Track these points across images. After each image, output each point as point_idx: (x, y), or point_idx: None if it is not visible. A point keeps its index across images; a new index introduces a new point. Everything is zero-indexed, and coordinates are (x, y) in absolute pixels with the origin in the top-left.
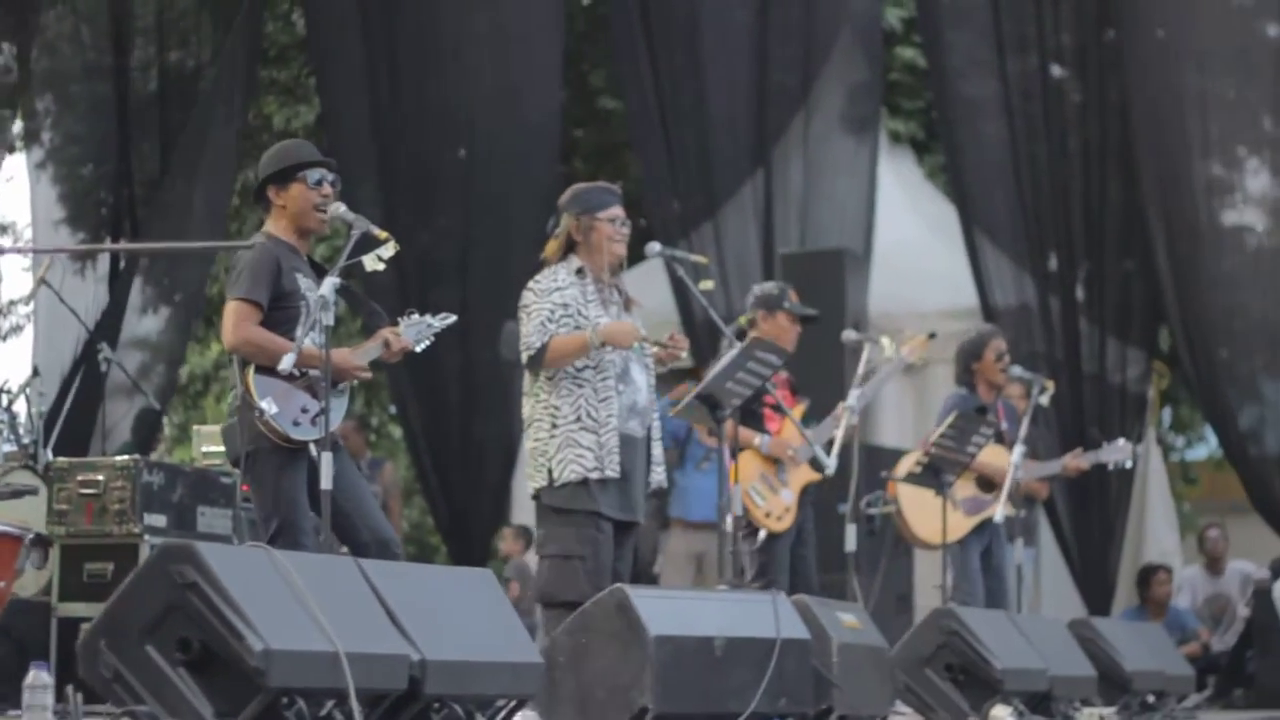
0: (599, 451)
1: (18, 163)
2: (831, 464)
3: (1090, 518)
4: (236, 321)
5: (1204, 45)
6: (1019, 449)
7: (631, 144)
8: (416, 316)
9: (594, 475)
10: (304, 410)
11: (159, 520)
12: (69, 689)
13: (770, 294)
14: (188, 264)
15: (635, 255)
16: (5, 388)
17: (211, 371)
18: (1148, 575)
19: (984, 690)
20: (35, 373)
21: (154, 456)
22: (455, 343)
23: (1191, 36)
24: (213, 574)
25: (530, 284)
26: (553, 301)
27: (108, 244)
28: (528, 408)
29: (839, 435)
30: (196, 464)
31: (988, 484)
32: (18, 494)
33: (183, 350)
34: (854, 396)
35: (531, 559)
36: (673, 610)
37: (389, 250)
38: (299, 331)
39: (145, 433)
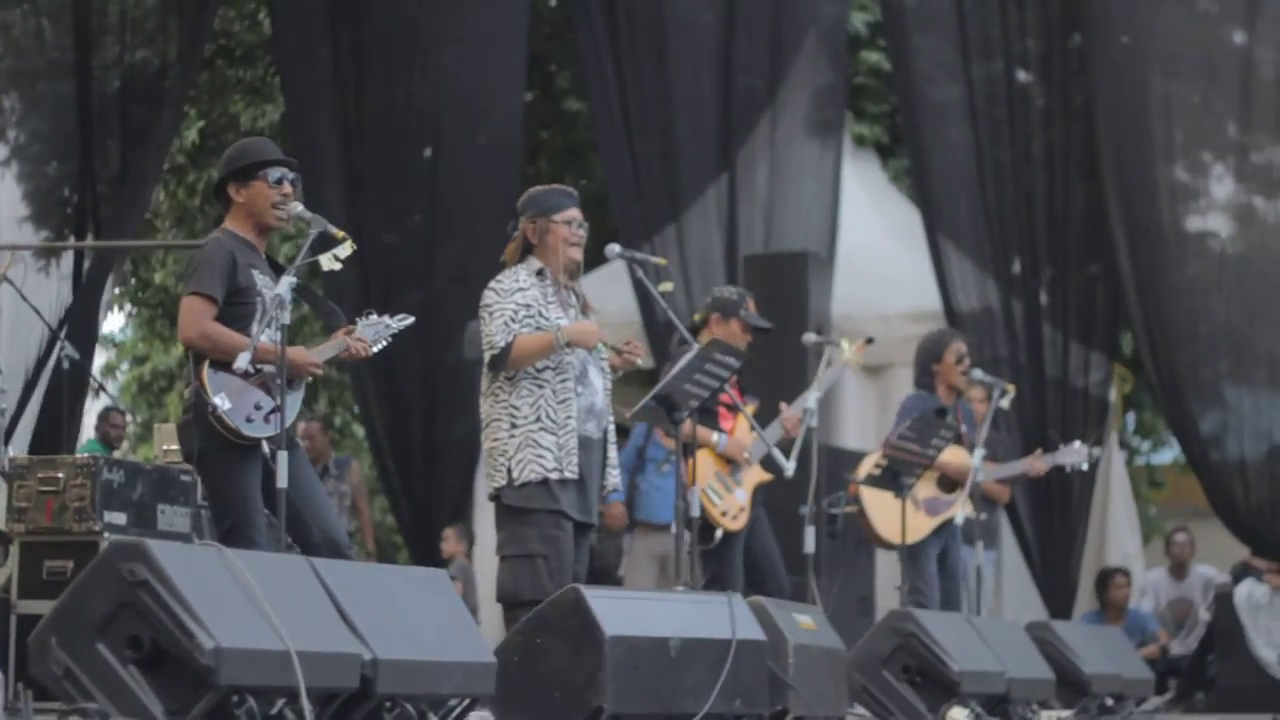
0: (558, 452)
1: None
2: (790, 466)
3: (1051, 521)
4: (192, 316)
5: (1169, 51)
6: (979, 452)
7: (595, 146)
8: (374, 317)
9: (553, 476)
10: (257, 407)
11: (119, 518)
12: (19, 686)
13: (728, 299)
14: (151, 263)
15: (600, 258)
16: None
17: (176, 370)
18: (1105, 578)
19: (941, 692)
20: None
21: (118, 454)
22: (419, 343)
23: (1156, 42)
24: (164, 572)
25: (492, 284)
26: (515, 302)
27: (66, 242)
28: (486, 408)
29: (798, 439)
30: (157, 462)
31: (950, 484)
32: None
33: (146, 349)
34: (811, 399)
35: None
36: (628, 610)
37: (346, 250)
38: (254, 328)
39: (108, 431)
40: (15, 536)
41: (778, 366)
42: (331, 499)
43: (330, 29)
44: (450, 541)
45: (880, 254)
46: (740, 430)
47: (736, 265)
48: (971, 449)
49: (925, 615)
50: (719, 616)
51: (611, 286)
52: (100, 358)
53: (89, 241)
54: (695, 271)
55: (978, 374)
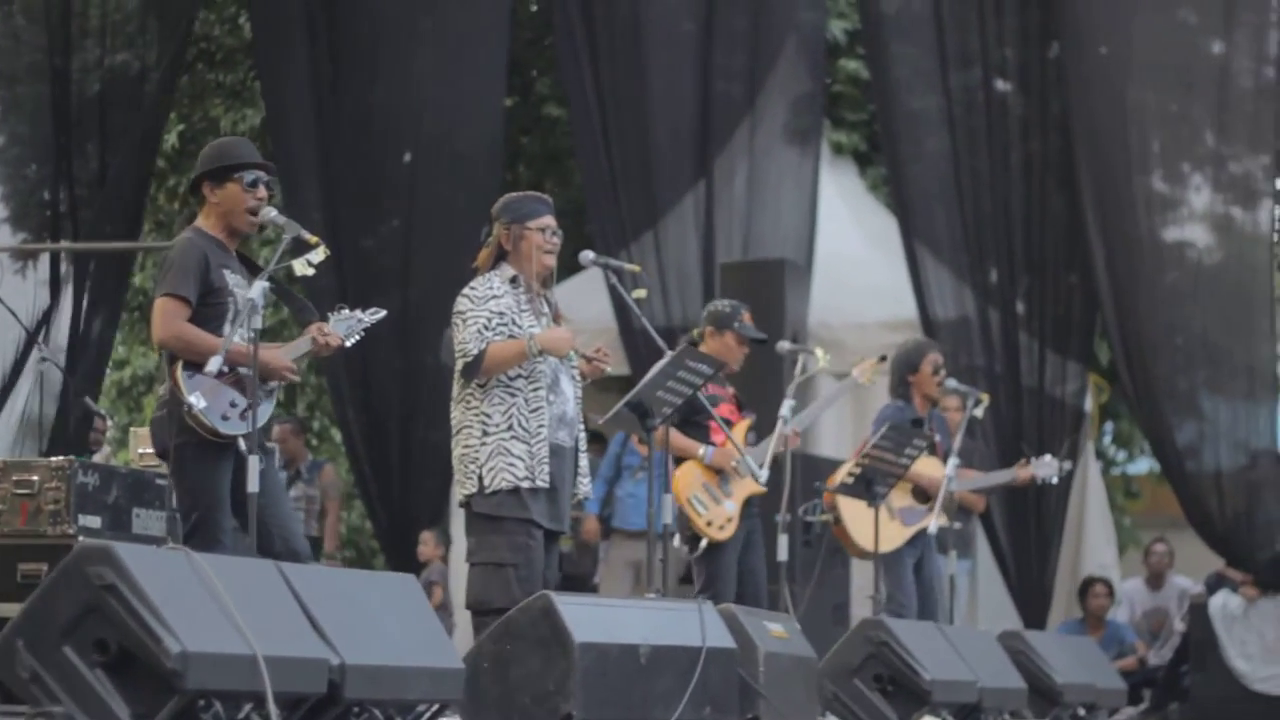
0: (530, 461)
1: None
2: (763, 475)
3: (1027, 531)
4: (165, 317)
5: (1147, 61)
6: (952, 461)
7: (573, 152)
8: (346, 311)
9: (525, 484)
10: (233, 405)
11: (94, 521)
12: None
13: (722, 312)
14: (130, 267)
15: (577, 265)
16: None
17: (155, 373)
18: (1085, 588)
19: (912, 701)
20: None
21: (97, 459)
22: (396, 348)
23: (1135, 52)
24: (130, 576)
25: (466, 290)
26: (490, 309)
27: (43, 244)
28: (457, 414)
29: (772, 445)
30: (133, 466)
31: (924, 495)
32: None
33: (126, 353)
34: (786, 406)
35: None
36: (598, 618)
37: (319, 255)
38: (226, 328)
39: (87, 435)
40: None
41: (752, 374)
42: (299, 503)
43: (310, 33)
44: (428, 545)
45: (857, 262)
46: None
47: (714, 273)
48: (945, 458)
49: (897, 624)
50: (689, 624)
51: (587, 294)
52: (81, 363)
53: (64, 244)
54: (672, 279)
55: (951, 383)
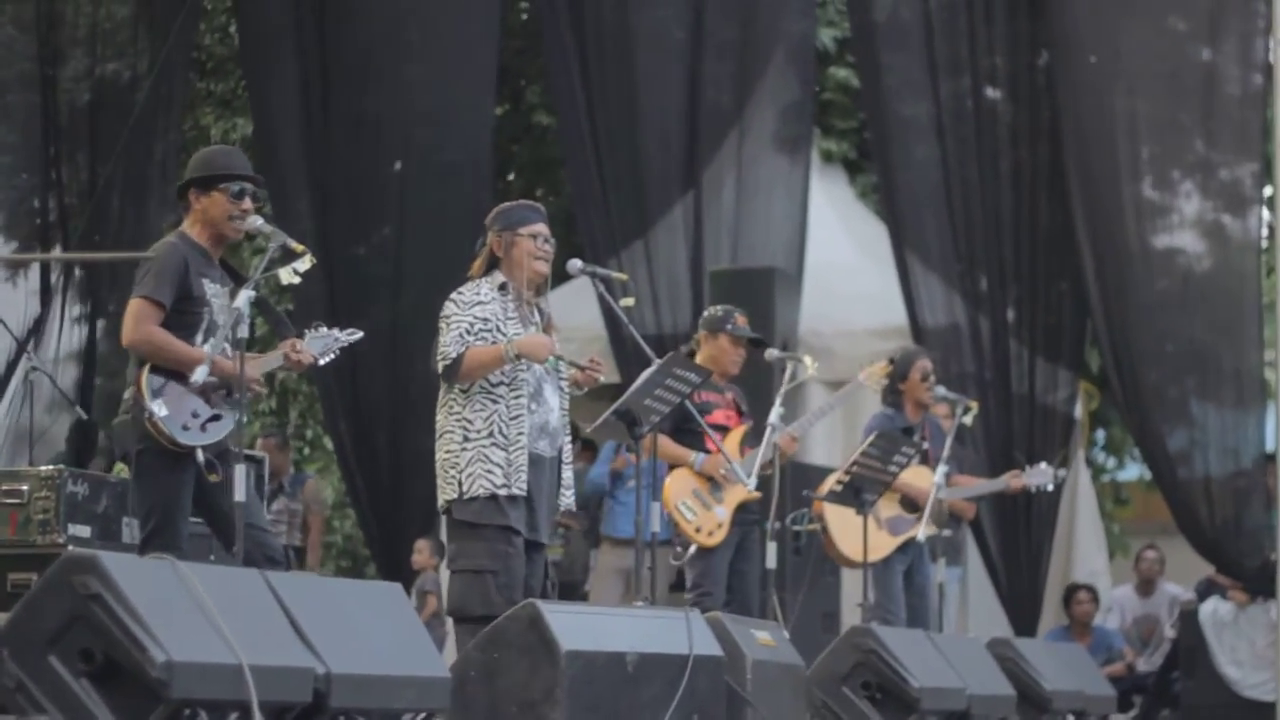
0: (507, 469)
1: None
2: (751, 482)
3: (1017, 538)
4: (137, 320)
5: (1136, 68)
6: (941, 469)
7: (562, 161)
8: (324, 329)
9: (501, 492)
10: (194, 415)
11: (83, 531)
12: None
13: (714, 316)
14: (122, 277)
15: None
16: None
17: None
18: (1069, 595)
19: (901, 709)
20: None
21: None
22: (387, 356)
23: (1124, 60)
24: (116, 585)
25: (453, 295)
26: (474, 315)
27: (33, 254)
28: (440, 419)
29: (761, 452)
30: (121, 475)
31: (912, 504)
32: None
33: (118, 363)
34: (775, 414)
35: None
36: (585, 626)
37: (306, 264)
38: (197, 338)
39: (80, 445)
40: None
41: (741, 382)
42: (282, 516)
43: (298, 42)
44: (423, 554)
45: (847, 270)
46: (728, 447)
47: (703, 281)
48: (936, 465)
49: (886, 632)
50: (676, 632)
51: (578, 302)
52: (73, 372)
53: (55, 253)
54: (662, 287)
55: (941, 391)
